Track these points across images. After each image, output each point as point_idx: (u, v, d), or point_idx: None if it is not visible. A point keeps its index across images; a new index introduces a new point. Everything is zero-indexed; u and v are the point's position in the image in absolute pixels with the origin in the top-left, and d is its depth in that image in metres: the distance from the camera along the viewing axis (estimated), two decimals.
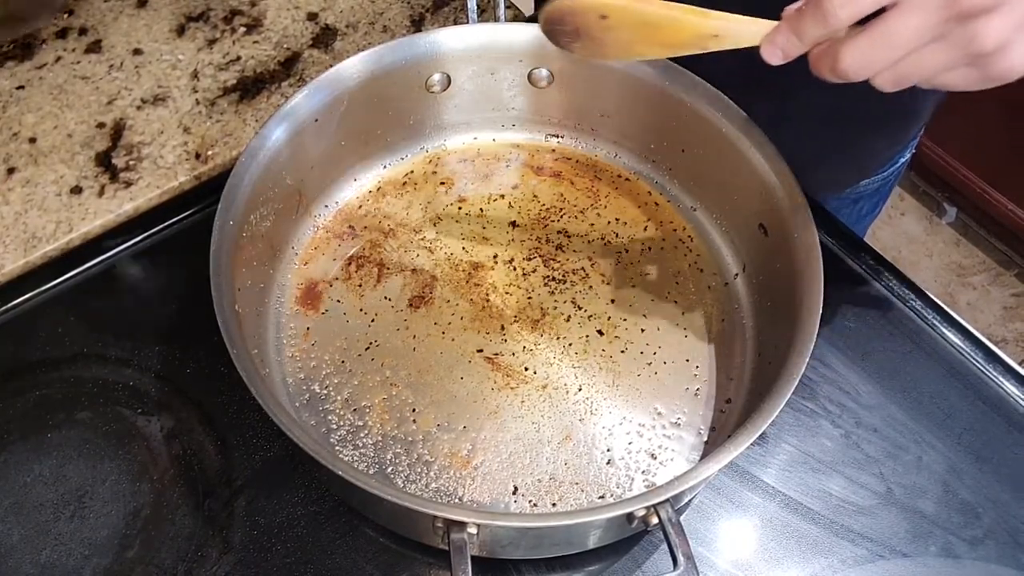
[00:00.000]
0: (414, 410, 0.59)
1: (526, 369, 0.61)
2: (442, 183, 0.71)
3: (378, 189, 0.70)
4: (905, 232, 1.84)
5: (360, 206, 0.69)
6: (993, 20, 0.39)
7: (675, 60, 0.64)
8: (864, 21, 0.42)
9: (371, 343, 0.62)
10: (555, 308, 0.64)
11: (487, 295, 0.64)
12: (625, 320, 0.63)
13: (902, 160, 0.81)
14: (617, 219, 0.69)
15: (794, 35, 0.44)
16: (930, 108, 0.75)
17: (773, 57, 0.46)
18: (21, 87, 0.76)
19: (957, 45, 0.40)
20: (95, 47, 0.79)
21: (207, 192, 0.71)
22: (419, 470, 0.56)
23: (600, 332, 0.63)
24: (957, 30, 0.40)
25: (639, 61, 0.65)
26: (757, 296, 0.63)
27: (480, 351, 0.62)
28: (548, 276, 0.66)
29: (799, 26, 0.43)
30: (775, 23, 0.45)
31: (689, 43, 0.49)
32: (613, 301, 0.64)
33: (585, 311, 0.64)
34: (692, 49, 0.49)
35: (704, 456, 0.57)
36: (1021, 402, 0.62)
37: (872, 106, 0.70)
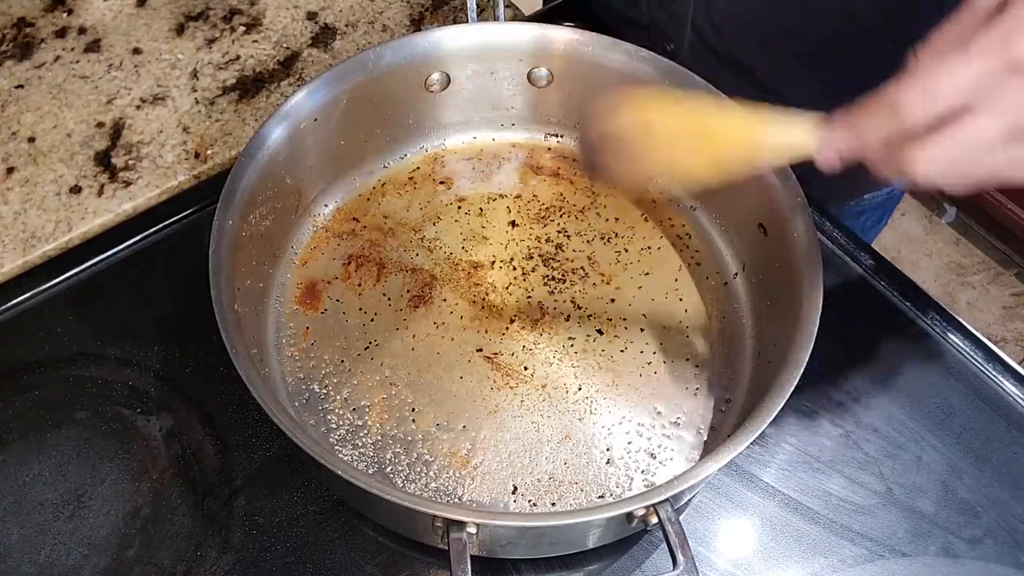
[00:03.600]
0: (413, 409, 0.59)
1: (525, 368, 0.61)
2: (442, 182, 0.71)
3: (378, 188, 0.70)
4: (905, 232, 1.84)
5: (359, 205, 0.69)
6: None
7: (678, 62, 0.64)
8: None
9: (370, 343, 0.62)
10: (555, 308, 0.64)
11: (486, 294, 0.64)
12: (625, 320, 0.63)
13: None
14: (616, 218, 0.69)
15: (854, 133, 0.39)
16: None
17: (831, 164, 0.41)
18: (20, 86, 0.76)
19: None
20: (94, 46, 0.79)
21: (206, 192, 0.71)
22: (418, 469, 0.56)
23: (600, 332, 0.63)
24: None
25: (638, 60, 0.65)
26: (756, 296, 0.63)
27: (479, 350, 0.62)
28: (548, 275, 0.66)
29: (861, 123, 0.39)
30: (822, 118, 0.41)
31: (735, 151, 0.46)
32: (613, 301, 0.64)
33: (585, 311, 0.64)
34: (740, 162, 0.46)
35: (704, 455, 0.57)
36: (1020, 401, 0.62)
37: None
